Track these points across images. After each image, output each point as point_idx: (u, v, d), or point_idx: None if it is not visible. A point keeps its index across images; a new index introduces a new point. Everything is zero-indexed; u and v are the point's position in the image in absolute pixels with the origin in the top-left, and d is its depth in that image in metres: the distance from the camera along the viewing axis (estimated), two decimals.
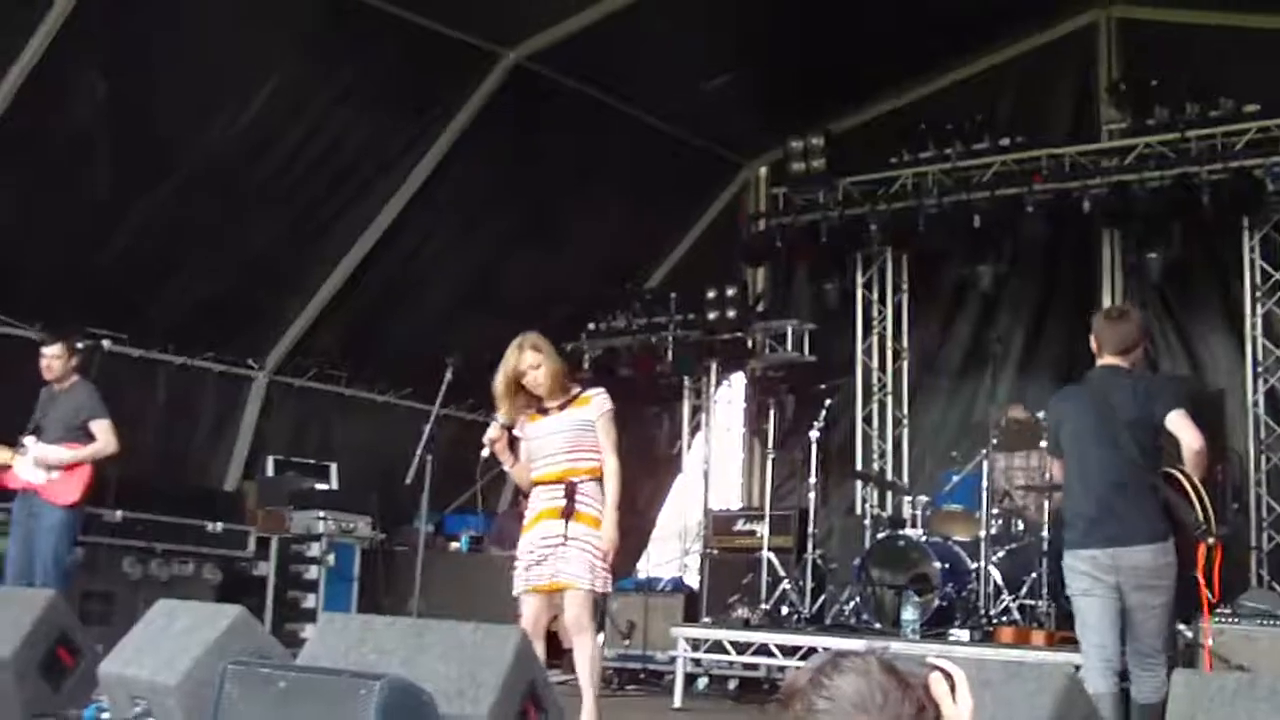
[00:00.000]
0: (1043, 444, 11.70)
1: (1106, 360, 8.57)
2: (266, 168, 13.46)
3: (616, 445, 8.51)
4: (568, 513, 8.27)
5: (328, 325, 15.14)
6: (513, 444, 8.63)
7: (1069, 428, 8.59)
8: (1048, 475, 11.74)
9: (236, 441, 14.87)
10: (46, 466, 10.99)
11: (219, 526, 12.93)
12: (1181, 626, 10.82)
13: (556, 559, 8.25)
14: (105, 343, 12.51)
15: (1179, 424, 8.17)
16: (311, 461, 15.15)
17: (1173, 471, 8.28)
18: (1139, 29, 15.30)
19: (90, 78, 11.93)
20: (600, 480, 8.45)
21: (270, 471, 14.80)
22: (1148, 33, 15.18)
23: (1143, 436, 8.23)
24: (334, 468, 15.21)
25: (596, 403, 8.56)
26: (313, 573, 13.68)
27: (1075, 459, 8.48)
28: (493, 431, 8.49)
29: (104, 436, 11.20)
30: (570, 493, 8.32)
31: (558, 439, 8.46)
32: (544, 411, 8.55)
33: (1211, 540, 8.09)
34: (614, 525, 8.36)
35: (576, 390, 8.64)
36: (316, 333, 15.13)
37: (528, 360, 8.49)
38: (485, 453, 8.53)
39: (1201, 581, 8.13)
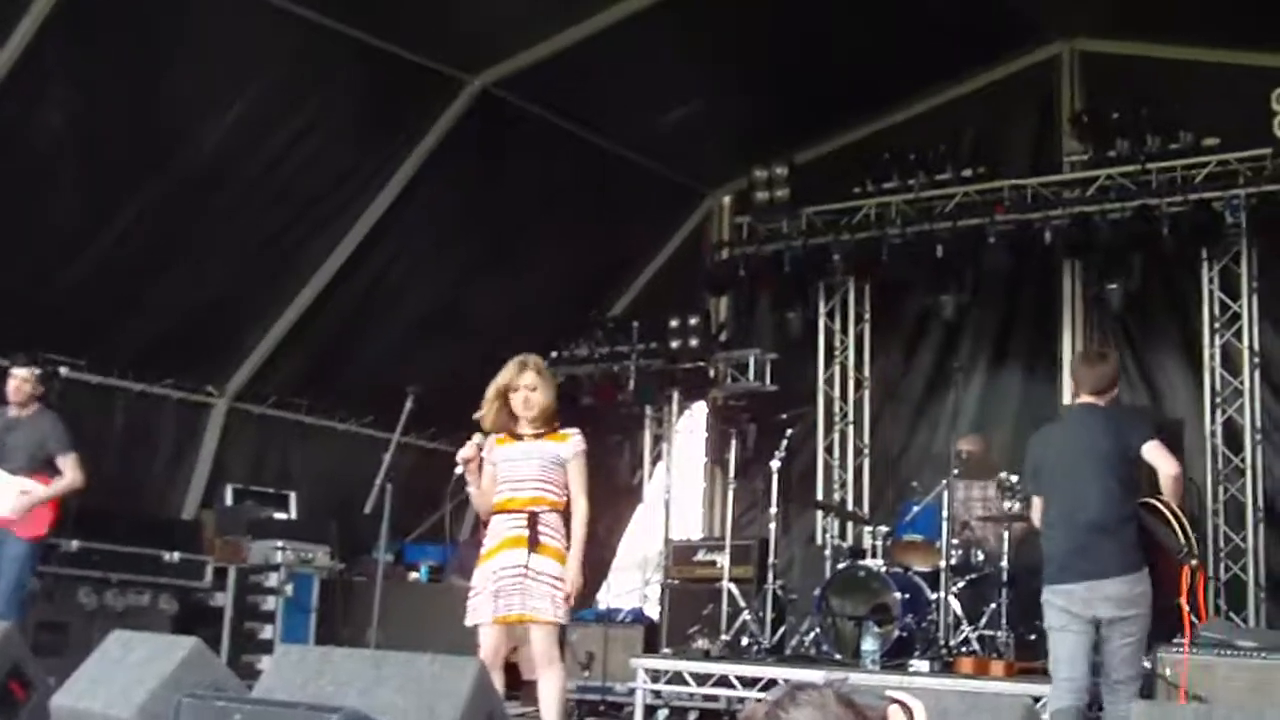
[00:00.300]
0: (1013, 479, 11.86)
1: (1083, 399, 8.87)
2: (231, 192, 13.38)
3: (587, 488, 8.48)
4: (532, 543, 8.21)
5: (289, 352, 15.07)
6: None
7: (1050, 466, 8.81)
8: (1008, 506, 11.78)
9: (195, 470, 14.74)
10: (23, 503, 10.97)
11: (176, 556, 12.84)
12: None
13: (520, 591, 8.19)
14: (63, 369, 12.46)
15: (1155, 453, 8.54)
16: (271, 490, 15.06)
17: (1152, 501, 8.58)
18: (1101, 62, 15.40)
19: (51, 104, 11.87)
20: (561, 513, 8.40)
21: (229, 500, 14.69)
22: (1110, 65, 15.29)
23: (1122, 470, 8.53)
24: (293, 496, 15.14)
25: (573, 442, 8.50)
26: (270, 603, 13.58)
27: (1057, 496, 8.71)
28: (467, 451, 8.44)
29: (71, 471, 11.19)
30: (533, 523, 8.26)
31: (529, 466, 8.38)
32: (517, 437, 8.49)
33: (1195, 563, 8.47)
34: (579, 568, 8.33)
35: (556, 424, 8.59)
36: (277, 360, 15.06)
37: (527, 380, 8.44)
38: (459, 470, 8.48)
39: (1186, 606, 8.46)
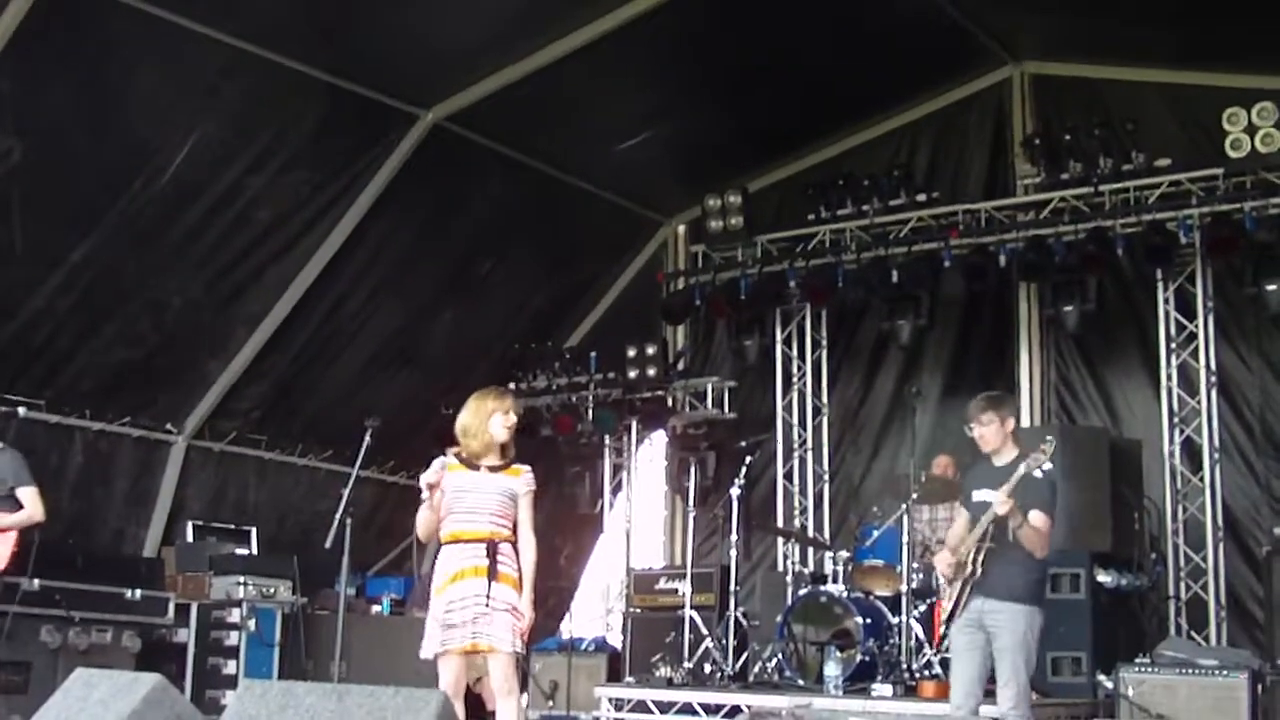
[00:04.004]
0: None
1: None
2: (185, 229, 13.36)
3: (535, 524, 8.48)
4: (492, 573, 8.20)
5: (247, 388, 15.05)
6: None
7: None
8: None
9: (155, 507, 14.69)
10: None
11: (138, 594, 12.78)
12: (1102, 677, 10.94)
13: (480, 620, 8.17)
14: (21, 409, 12.42)
15: None
16: (231, 526, 15.03)
17: None
18: (1052, 84, 15.51)
19: (4, 140, 11.83)
20: (513, 545, 8.39)
21: (190, 537, 14.65)
22: (1061, 87, 15.41)
23: None
24: (254, 532, 15.10)
25: (526, 479, 8.47)
26: (233, 639, 13.52)
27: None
28: (431, 475, 8.42)
29: (32, 504, 11.23)
30: (492, 552, 8.25)
31: (487, 499, 8.34)
32: (472, 466, 8.48)
33: None
34: (531, 602, 8.32)
35: (508, 459, 8.58)
36: (236, 396, 15.02)
37: (514, 404, 8.57)
38: (425, 495, 8.45)
39: None
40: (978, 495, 8.90)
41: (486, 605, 8.13)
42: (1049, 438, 8.82)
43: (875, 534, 12.87)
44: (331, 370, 15.58)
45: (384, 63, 13.32)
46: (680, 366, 17.00)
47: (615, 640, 15.39)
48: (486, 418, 8.47)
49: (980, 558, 8.60)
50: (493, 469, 8.44)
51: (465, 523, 8.33)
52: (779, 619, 12.55)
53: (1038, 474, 8.67)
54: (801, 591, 12.82)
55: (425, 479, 8.41)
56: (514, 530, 8.40)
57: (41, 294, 12.91)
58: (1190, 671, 10.74)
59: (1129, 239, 13.87)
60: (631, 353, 16.41)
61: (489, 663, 8.24)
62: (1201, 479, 13.88)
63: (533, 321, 17.09)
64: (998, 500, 8.42)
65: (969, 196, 15.47)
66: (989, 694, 8.80)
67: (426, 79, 13.82)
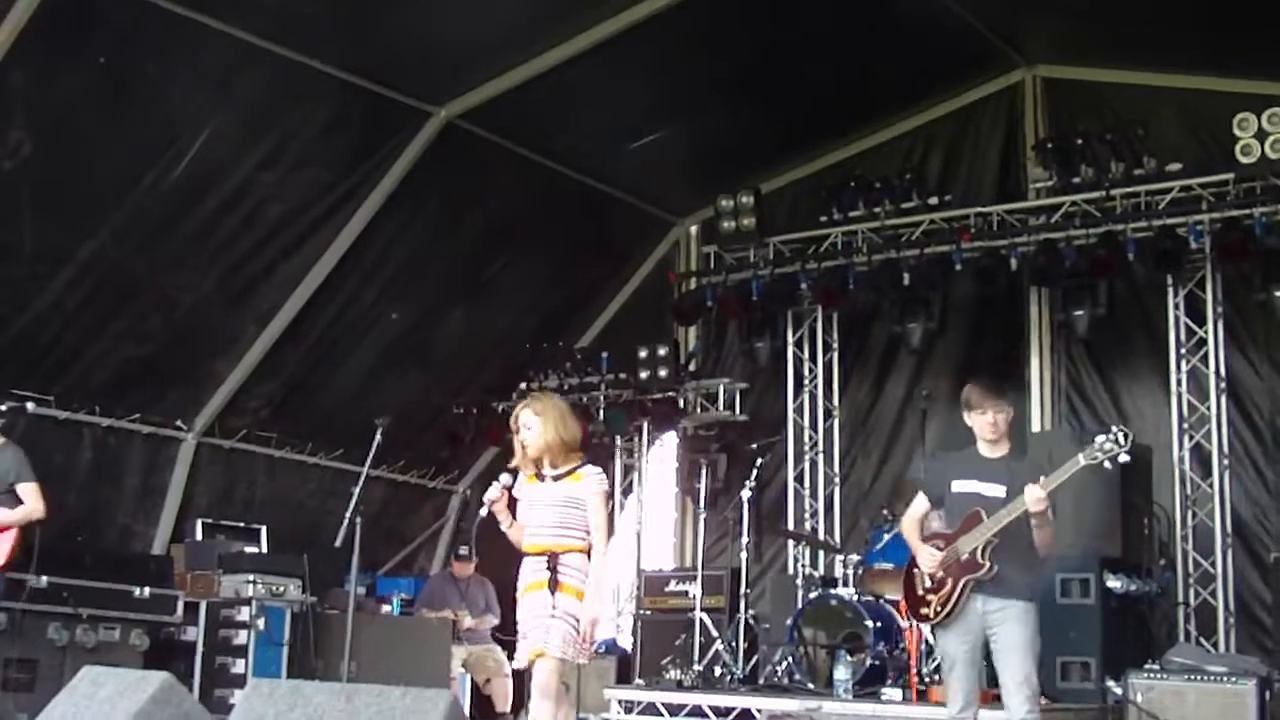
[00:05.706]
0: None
1: None
2: (195, 225, 13.33)
3: (606, 527, 8.49)
4: (553, 585, 8.30)
5: (257, 386, 15.03)
6: (511, 503, 8.58)
7: None
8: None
9: (164, 504, 14.69)
10: None
11: (146, 591, 12.73)
12: (1110, 683, 10.91)
13: (538, 629, 8.33)
14: (29, 405, 12.40)
15: None
16: (241, 524, 14.99)
17: None
18: (1064, 88, 15.49)
19: (13, 134, 11.82)
20: (584, 553, 8.41)
21: (199, 534, 14.60)
22: (1073, 91, 15.38)
23: None
24: (263, 530, 15.07)
25: (589, 482, 8.48)
26: (242, 637, 13.47)
27: None
28: (493, 492, 8.49)
29: (32, 500, 11.15)
30: (553, 565, 8.33)
31: (547, 512, 8.43)
32: (541, 477, 8.52)
33: None
34: (596, 604, 8.36)
35: (575, 464, 8.57)
36: (246, 393, 15.01)
37: (522, 418, 8.54)
38: (484, 511, 8.50)
39: None
40: (962, 485, 8.62)
41: (551, 615, 8.24)
42: (1115, 428, 8.18)
43: (885, 537, 12.86)
44: (342, 368, 15.56)
45: (397, 60, 13.32)
46: (691, 368, 16.97)
47: (625, 642, 15.38)
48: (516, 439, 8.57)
49: (990, 553, 8.26)
50: (557, 477, 8.49)
51: (531, 536, 8.50)
52: (789, 622, 12.54)
53: (1108, 465, 8.15)
54: (812, 595, 12.81)
55: (487, 496, 8.50)
56: (588, 536, 8.43)
57: (51, 290, 12.90)
58: (1199, 678, 10.73)
59: (1140, 243, 13.84)
60: (643, 353, 16.35)
61: (535, 664, 8.33)
62: (1211, 485, 13.84)
63: (544, 321, 17.06)
64: (1034, 496, 8.01)
65: (980, 200, 15.44)
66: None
67: (439, 76, 13.82)
